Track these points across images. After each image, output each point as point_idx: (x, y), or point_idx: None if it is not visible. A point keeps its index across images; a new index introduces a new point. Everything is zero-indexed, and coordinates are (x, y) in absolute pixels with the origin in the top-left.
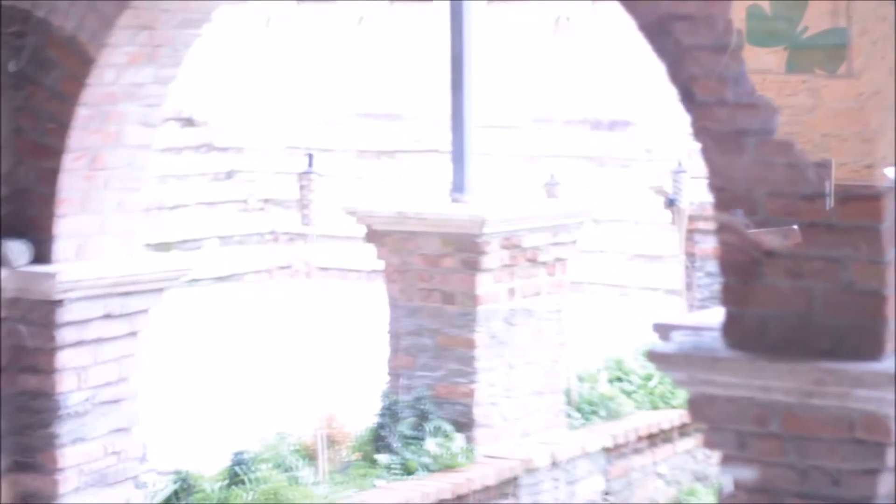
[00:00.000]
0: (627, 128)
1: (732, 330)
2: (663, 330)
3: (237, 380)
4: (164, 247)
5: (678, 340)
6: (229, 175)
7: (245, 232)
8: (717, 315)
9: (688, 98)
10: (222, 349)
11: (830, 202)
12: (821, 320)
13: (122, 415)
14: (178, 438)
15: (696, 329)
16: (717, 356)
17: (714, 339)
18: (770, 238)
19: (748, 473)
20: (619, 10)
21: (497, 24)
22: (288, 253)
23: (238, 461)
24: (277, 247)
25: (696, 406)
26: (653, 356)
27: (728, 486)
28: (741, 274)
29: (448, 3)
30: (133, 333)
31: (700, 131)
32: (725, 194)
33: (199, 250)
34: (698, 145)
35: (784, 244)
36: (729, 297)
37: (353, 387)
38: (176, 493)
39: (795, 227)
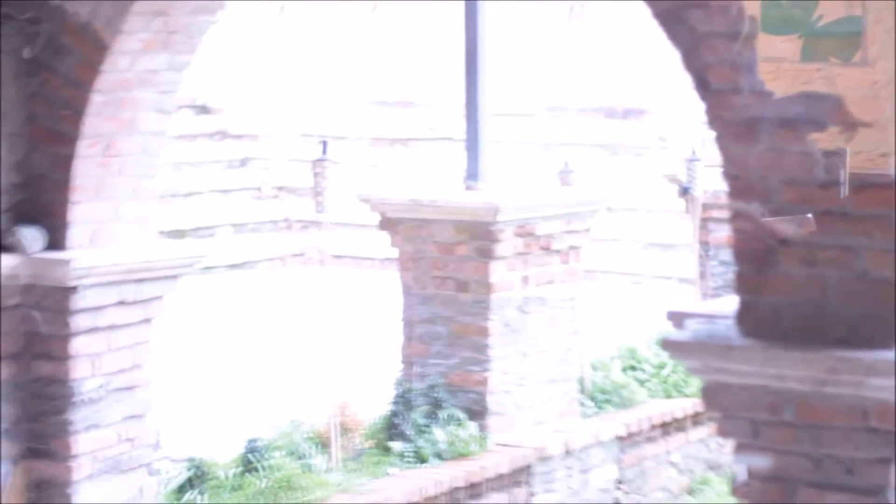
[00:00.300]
0: (641, 116)
1: (746, 318)
2: (677, 318)
3: (251, 367)
4: (177, 234)
5: (692, 328)
6: (243, 162)
7: (259, 219)
8: (731, 303)
9: (702, 86)
10: (236, 337)
11: (845, 191)
12: (835, 309)
13: (135, 402)
14: (191, 426)
15: (710, 317)
16: (731, 344)
17: (728, 328)
18: (784, 226)
19: (762, 462)
20: None
21: (511, 12)
22: (301, 240)
23: (251, 448)
24: (291, 234)
25: (710, 394)
26: (667, 344)
27: (741, 474)
28: (755, 262)
29: None
30: (147, 320)
31: (714, 119)
32: (740, 182)
33: (213, 238)
34: (712, 133)
35: (798, 232)
36: (743, 285)
37: (367, 375)
38: (190, 480)
39: (810, 215)
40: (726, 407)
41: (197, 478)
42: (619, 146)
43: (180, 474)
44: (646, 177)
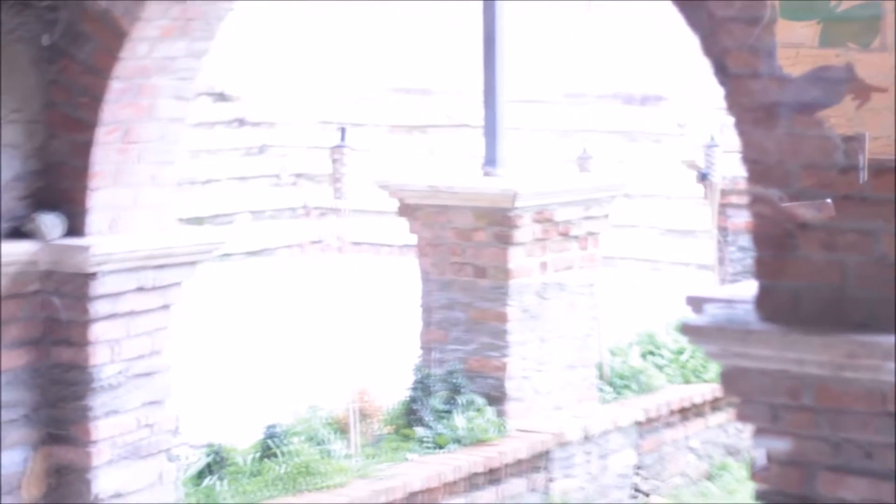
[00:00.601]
0: (659, 102)
1: (765, 302)
2: (696, 303)
3: (269, 354)
4: (196, 221)
5: (711, 313)
6: (261, 150)
7: (277, 206)
8: (749, 288)
9: (721, 71)
10: (254, 323)
11: (864, 175)
12: (854, 293)
13: (155, 388)
14: (210, 412)
15: (728, 302)
16: (749, 329)
17: (747, 312)
18: (803, 211)
19: (781, 446)
20: None
21: None
22: (320, 227)
23: (270, 434)
24: (309, 221)
25: (729, 379)
26: (686, 329)
27: (760, 459)
28: (774, 246)
29: None
30: (166, 306)
31: (733, 104)
32: (758, 167)
33: (231, 225)
34: (731, 119)
35: (817, 217)
36: (762, 269)
37: (385, 361)
38: (209, 465)
39: (829, 200)
40: (745, 392)
41: (216, 463)
42: (637, 133)
43: (199, 460)
44: (664, 163)
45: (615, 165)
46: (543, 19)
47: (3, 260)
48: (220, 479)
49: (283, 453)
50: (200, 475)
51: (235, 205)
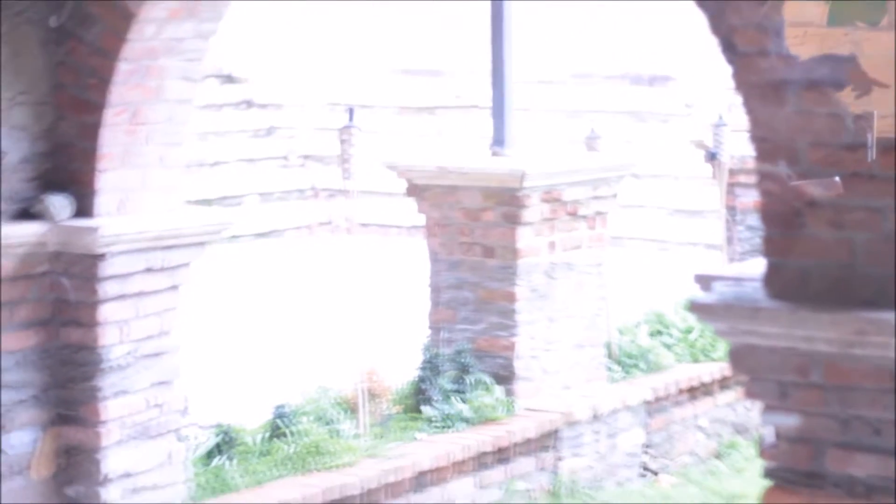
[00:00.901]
0: (667, 82)
1: (774, 280)
2: (704, 280)
3: (278, 334)
4: (204, 203)
5: (719, 291)
6: (269, 131)
7: (285, 188)
8: (758, 266)
9: (729, 49)
10: (263, 305)
11: (873, 153)
12: (862, 270)
13: (163, 368)
14: (219, 392)
15: (737, 279)
16: (758, 306)
17: (756, 290)
18: (812, 188)
19: (789, 423)
20: None
21: None
22: (328, 209)
23: (279, 414)
24: (318, 203)
25: (738, 356)
26: (694, 306)
27: (769, 436)
28: (783, 224)
29: None
30: (174, 287)
31: (741, 82)
32: (767, 145)
33: (240, 207)
34: (739, 97)
35: (826, 194)
36: (770, 247)
37: (394, 341)
38: (218, 445)
39: (837, 177)
40: (754, 369)
41: (225, 444)
42: (645, 113)
43: (208, 440)
44: (672, 143)
45: (623, 145)
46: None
47: (12, 241)
48: (230, 458)
49: (291, 433)
50: (209, 455)
51: (243, 187)
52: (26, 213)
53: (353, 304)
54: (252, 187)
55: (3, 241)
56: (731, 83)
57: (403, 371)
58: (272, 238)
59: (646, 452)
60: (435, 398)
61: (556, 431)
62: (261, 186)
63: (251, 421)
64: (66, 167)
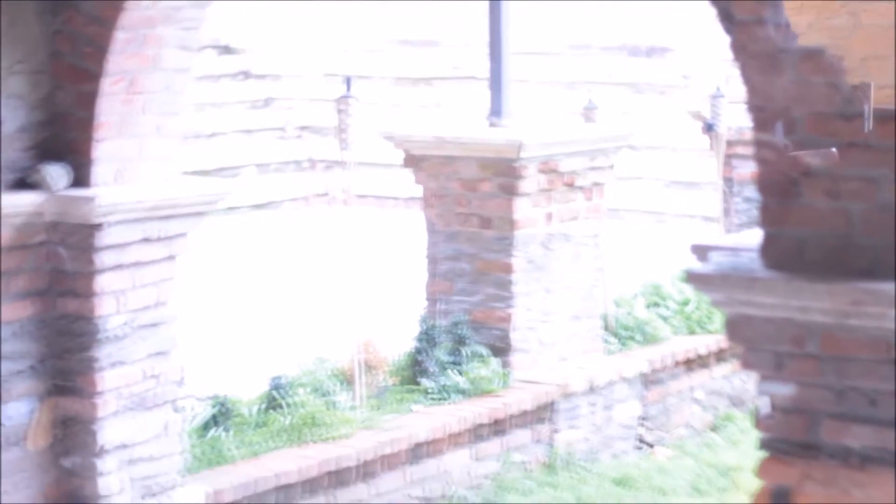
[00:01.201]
0: (665, 54)
1: (770, 250)
2: (701, 251)
3: (275, 305)
4: (201, 174)
5: (716, 261)
6: (266, 102)
7: (282, 159)
8: (754, 236)
9: (726, 18)
10: (260, 276)
11: (869, 123)
12: (859, 240)
13: (160, 339)
14: (216, 363)
15: (734, 250)
16: (754, 276)
17: (752, 260)
18: (808, 158)
19: (785, 393)
20: None
21: None
22: (325, 180)
23: (276, 386)
24: (315, 174)
25: (734, 327)
26: (691, 276)
27: (765, 407)
28: (779, 194)
29: None
30: (171, 257)
31: (739, 51)
32: (764, 114)
33: (237, 178)
34: (737, 65)
35: (822, 164)
36: (767, 217)
37: (391, 312)
38: (214, 417)
39: (833, 147)
40: (750, 339)
41: (221, 415)
42: (642, 84)
43: (205, 411)
44: (669, 115)
45: (620, 117)
46: None
47: (9, 211)
48: (226, 430)
49: (288, 405)
50: (206, 426)
51: (241, 158)
52: (23, 183)
53: (349, 276)
54: (249, 158)
55: (0, 211)
56: (729, 53)
57: (400, 342)
58: (269, 209)
59: (642, 425)
60: (431, 370)
61: (552, 403)
62: (258, 157)
63: (247, 392)
64: (62, 136)
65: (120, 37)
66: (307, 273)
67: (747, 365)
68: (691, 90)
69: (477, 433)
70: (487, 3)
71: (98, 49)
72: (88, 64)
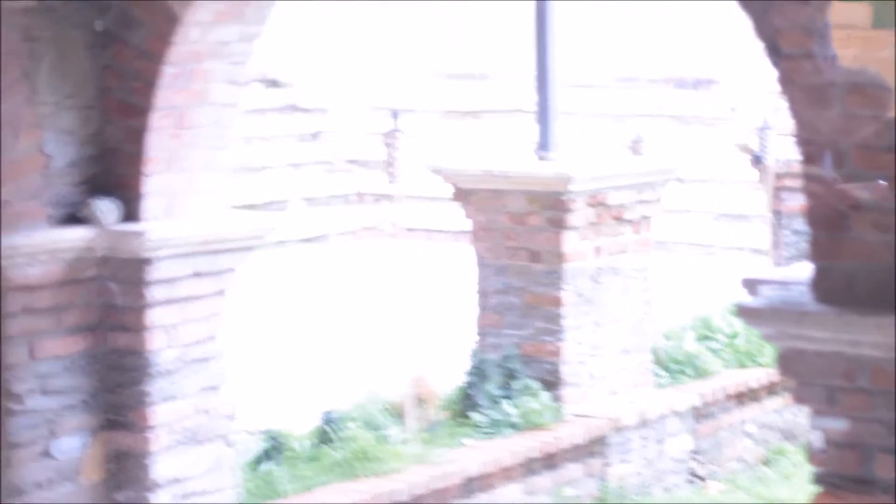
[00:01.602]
0: (712, 86)
1: (820, 284)
2: (751, 284)
3: (326, 340)
4: (250, 208)
5: (766, 295)
6: (314, 136)
7: (330, 193)
8: (804, 269)
9: (773, 51)
10: (310, 310)
11: None
12: None
13: (211, 373)
14: (267, 398)
15: (784, 283)
16: (805, 310)
17: (802, 293)
18: (857, 191)
19: (837, 428)
20: None
21: None
22: (374, 213)
23: (327, 420)
24: (363, 207)
25: (786, 361)
26: (742, 311)
27: (818, 442)
28: (828, 227)
29: None
30: (221, 292)
31: (786, 84)
32: (812, 147)
33: (285, 211)
34: (785, 99)
35: (871, 197)
36: (816, 250)
37: (442, 346)
38: (266, 451)
39: (882, 180)
40: (802, 374)
41: (273, 449)
42: (689, 117)
43: (257, 446)
44: (717, 147)
45: (668, 149)
46: (596, 3)
47: (60, 246)
48: (278, 464)
49: (339, 439)
50: (258, 461)
51: (289, 191)
52: (74, 218)
53: (399, 310)
54: (297, 192)
55: (51, 246)
56: (776, 86)
57: (451, 376)
58: (318, 243)
59: (693, 458)
60: (482, 404)
61: (603, 437)
62: (306, 191)
63: (299, 426)
64: (112, 171)
65: (168, 71)
66: (357, 307)
67: (800, 399)
68: (738, 122)
69: (529, 467)
70: (535, 35)
71: (146, 84)
72: (137, 99)
